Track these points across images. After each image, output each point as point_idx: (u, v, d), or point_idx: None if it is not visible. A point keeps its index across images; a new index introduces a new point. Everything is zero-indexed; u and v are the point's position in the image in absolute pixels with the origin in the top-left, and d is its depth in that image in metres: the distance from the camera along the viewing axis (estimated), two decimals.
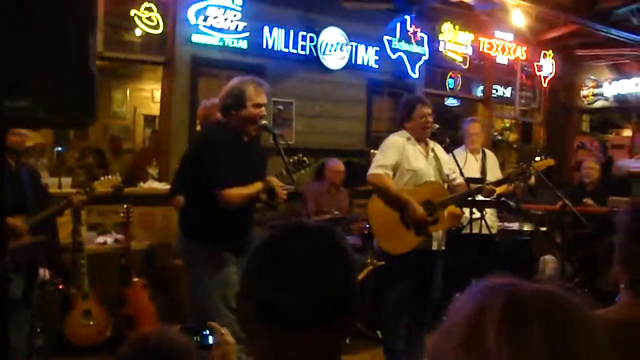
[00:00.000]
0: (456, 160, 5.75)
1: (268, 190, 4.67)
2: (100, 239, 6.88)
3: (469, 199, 5.56)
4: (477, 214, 5.92)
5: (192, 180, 4.78)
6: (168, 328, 1.94)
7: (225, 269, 4.54)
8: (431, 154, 5.60)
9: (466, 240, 6.29)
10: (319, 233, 1.53)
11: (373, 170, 5.45)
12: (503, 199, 6.55)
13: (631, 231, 2.02)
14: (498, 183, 6.12)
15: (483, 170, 7.04)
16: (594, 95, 13.62)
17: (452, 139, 6.57)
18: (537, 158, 6.36)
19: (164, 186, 7.27)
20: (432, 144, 5.67)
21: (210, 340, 2.00)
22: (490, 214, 6.86)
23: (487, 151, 7.40)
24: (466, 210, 5.78)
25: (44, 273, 5.58)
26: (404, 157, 5.43)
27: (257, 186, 4.62)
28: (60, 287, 6.11)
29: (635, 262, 2.00)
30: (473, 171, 6.80)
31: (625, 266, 2.02)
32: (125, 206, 6.45)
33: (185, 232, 4.76)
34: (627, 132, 13.57)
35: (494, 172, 7.07)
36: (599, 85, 13.52)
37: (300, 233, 1.53)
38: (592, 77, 13.57)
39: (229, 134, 4.63)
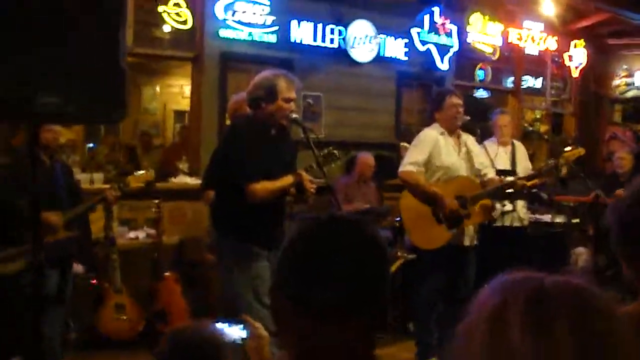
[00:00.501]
0: (487, 153, 5.73)
1: (297, 184, 4.67)
2: (132, 234, 6.94)
3: (501, 192, 5.54)
4: (508, 207, 5.89)
5: (221, 176, 4.79)
6: (202, 323, 1.95)
7: (256, 264, 4.53)
8: (463, 148, 5.58)
9: (498, 233, 6.26)
10: (351, 225, 1.54)
11: (404, 167, 5.46)
12: (535, 190, 6.50)
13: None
14: (528, 178, 6.08)
15: (513, 162, 6.98)
16: (626, 84, 13.43)
17: (482, 131, 6.55)
18: (568, 148, 6.30)
19: (194, 181, 7.30)
20: (464, 136, 5.66)
21: (244, 333, 2.01)
22: (521, 206, 6.81)
23: (517, 143, 7.33)
24: (497, 203, 5.76)
25: (77, 268, 5.64)
26: (436, 152, 5.43)
27: (286, 180, 4.60)
28: (94, 281, 6.18)
29: None
30: (503, 163, 6.76)
31: None
32: (156, 201, 6.49)
33: (216, 227, 4.77)
34: None
35: (523, 164, 7.01)
36: (631, 75, 13.33)
37: (332, 226, 1.54)
38: (625, 67, 13.39)
39: (257, 127, 4.61)
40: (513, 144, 7.23)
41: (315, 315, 1.42)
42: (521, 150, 7.27)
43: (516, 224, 6.40)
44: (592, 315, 0.97)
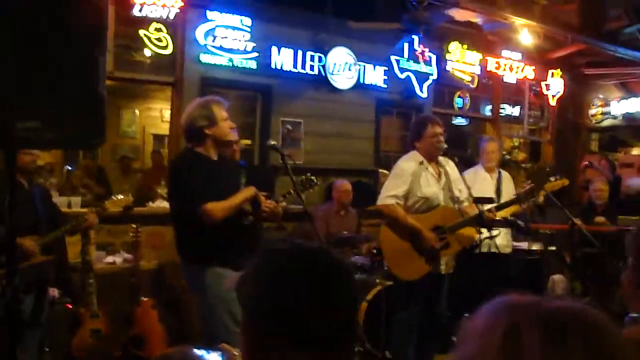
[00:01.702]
0: (464, 181, 5.75)
1: (252, 200, 4.69)
2: (110, 259, 6.89)
3: (478, 220, 5.56)
4: (493, 232, 5.93)
5: (177, 204, 4.79)
6: (183, 349, 1.95)
7: (227, 287, 4.53)
8: (443, 177, 5.60)
9: (477, 260, 6.29)
10: (317, 254, 1.55)
11: (384, 200, 5.46)
12: (512, 218, 6.54)
13: None
14: (508, 204, 6.13)
15: (498, 190, 7.04)
16: (602, 114, 13.60)
17: (461, 159, 6.59)
18: (552, 178, 6.37)
19: None
20: (443, 161, 5.67)
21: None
22: (504, 233, 6.86)
23: (504, 172, 7.41)
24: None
25: (53, 292, 5.59)
26: (416, 183, 5.44)
27: (240, 195, 4.63)
28: (69, 306, 6.12)
29: None
30: (488, 190, 6.81)
31: None
32: (134, 226, 6.46)
33: (183, 256, 4.76)
34: (636, 151, 13.51)
35: (509, 192, 7.05)
36: (607, 104, 13.50)
37: (298, 255, 1.55)
38: (601, 96, 13.56)
39: (198, 156, 4.67)
40: (499, 172, 7.30)
41: (288, 343, 1.43)
42: (507, 178, 7.33)
43: (493, 249, 6.43)
44: (603, 333, 1.01)
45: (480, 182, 6.96)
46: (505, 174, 7.35)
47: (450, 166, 5.73)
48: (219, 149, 4.76)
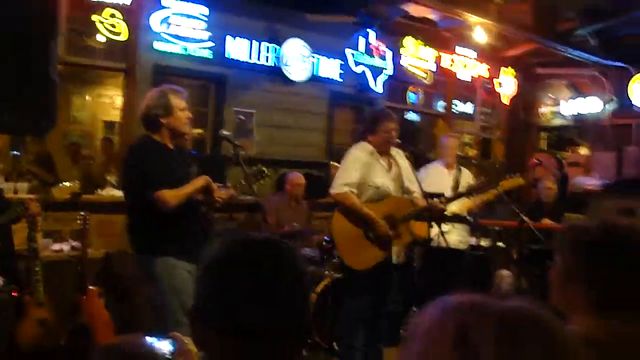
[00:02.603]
0: (418, 177, 5.79)
1: (203, 189, 4.69)
2: (56, 246, 6.79)
3: (427, 214, 5.60)
4: (444, 228, 6.00)
5: (131, 191, 4.77)
6: (133, 337, 1.93)
7: (179, 277, 4.52)
8: (394, 167, 5.63)
9: (430, 255, 6.37)
10: (267, 246, 1.55)
11: (338, 188, 5.47)
12: (461, 214, 6.63)
13: (597, 249, 2.01)
14: (456, 196, 6.20)
15: (456, 186, 7.11)
16: (552, 113, 13.81)
17: (412, 154, 6.64)
18: (507, 176, 6.47)
19: (122, 193, 7.20)
20: (394, 151, 5.69)
21: (172, 348, 2.00)
22: (459, 229, 6.95)
23: (464, 169, 7.50)
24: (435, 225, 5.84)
25: None
26: (367, 172, 5.46)
27: (193, 184, 4.64)
28: (14, 294, 6.02)
29: (603, 281, 2.00)
30: (446, 186, 6.87)
31: (590, 284, 2.02)
32: (82, 213, 6.38)
33: (135, 245, 4.73)
34: (584, 150, 13.77)
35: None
36: (557, 104, 13.71)
37: (249, 247, 1.55)
38: (551, 95, 13.77)
39: (155, 144, 4.67)
40: (460, 169, 7.39)
41: (236, 336, 1.43)
42: (466, 175, 7.42)
43: (442, 244, 6.49)
44: (555, 330, 1.02)
45: (440, 178, 7.06)
46: (465, 171, 7.45)
47: (400, 155, 5.75)
48: (175, 139, 4.73)
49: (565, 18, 11.47)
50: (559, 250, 2.12)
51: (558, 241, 2.14)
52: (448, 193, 6.30)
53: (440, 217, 5.79)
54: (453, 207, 6.40)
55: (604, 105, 12.93)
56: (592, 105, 13.11)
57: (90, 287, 6.27)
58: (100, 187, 7.68)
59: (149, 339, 1.93)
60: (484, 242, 8.57)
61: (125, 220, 4.87)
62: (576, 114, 13.45)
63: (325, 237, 7.04)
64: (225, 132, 4.81)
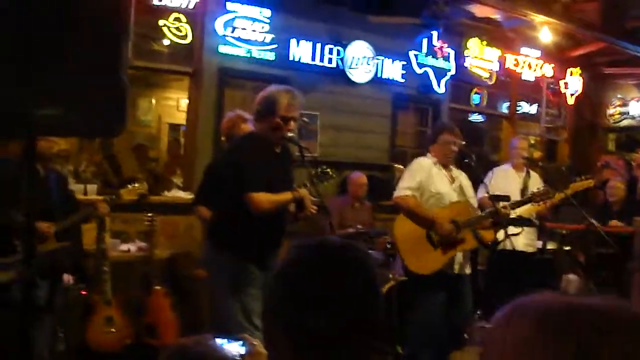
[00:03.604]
0: (484, 181, 5.78)
1: (297, 201, 4.66)
2: (124, 247, 6.91)
3: (491, 219, 5.56)
4: (514, 230, 5.95)
5: (224, 190, 4.74)
6: (203, 338, 1.94)
7: (249, 282, 4.51)
8: (457, 182, 5.63)
9: (496, 258, 6.31)
10: (342, 251, 1.54)
11: (400, 192, 5.49)
12: (528, 217, 6.55)
13: None
14: (522, 202, 6.13)
15: (524, 189, 7.04)
16: (620, 113, 13.50)
17: (477, 155, 6.59)
18: (577, 178, 6.38)
19: (188, 195, 7.29)
20: (457, 172, 5.71)
21: (243, 350, 2.00)
22: (527, 232, 6.87)
23: (533, 172, 7.45)
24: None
25: (67, 279, 5.61)
26: (430, 179, 5.47)
27: (288, 195, 4.60)
28: (83, 293, 6.14)
29: None
30: (513, 189, 6.81)
31: None
32: (149, 214, 6.47)
33: (213, 243, 4.73)
34: None
35: None
36: (625, 104, 13.40)
37: (323, 252, 1.54)
38: (619, 96, 13.47)
39: (260, 142, 4.63)
40: (528, 172, 7.31)
41: (308, 340, 1.42)
42: (535, 178, 7.35)
43: (516, 249, 6.40)
44: None
45: (508, 180, 7.01)
46: (534, 175, 7.39)
47: (464, 177, 5.77)
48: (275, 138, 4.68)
49: (634, 16, 11.21)
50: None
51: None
52: (516, 196, 6.24)
53: (505, 221, 5.74)
54: (521, 210, 6.32)
55: None
56: None
57: (156, 287, 6.36)
58: (167, 189, 7.78)
59: (219, 340, 1.94)
60: (550, 246, 8.42)
61: (190, 220, 4.90)
62: None
63: (389, 240, 7.00)
64: (290, 134, 4.80)
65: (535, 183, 7.26)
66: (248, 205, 4.40)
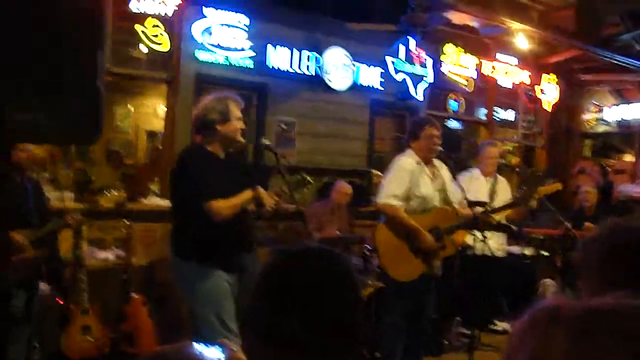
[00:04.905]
0: (460, 184, 5.79)
1: (255, 199, 4.67)
2: (101, 255, 6.86)
3: (474, 225, 5.60)
4: (479, 236, 5.96)
5: (180, 199, 4.74)
6: (181, 345, 1.93)
7: (218, 287, 4.51)
8: (438, 178, 5.64)
9: (469, 263, 6.32)
10: (323, 257, 1.54)
11: (385, 199, 5.48)
12: (504, 222, 6.58)
13: None
14: (504, 207, 6.18)
15: (492, 194, 7.06)
16: (596, 119, 13.62)
17: (455, 162, 6.61)
18: (546, 182, 6.42)
19: (165, 202, 7.25)
20: (438, 164, 5.71)
21: (222, 356, 1.99)
22: (497, 236, 6.91)
23: (500, 177, 7.48)
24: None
25: (43, 287, 5.56)
26: (414, 182, 5.47)
27: (245, 195, 4.59)
28: (60, 302, 6.09)
29: None
30: (482, 193, 6.84)
31: None
32: (126, 222, 6.44)
33: (177, 251, 4.72)
34: (629, 158, 13.54)
35: (503, 197, 7.11)
36: (600, 110, 13.52)
37: (304, 258, 1.54)
38: (595, 102, 13.58)
39: (207, 152, 4.65)
40: (496, 176, 7.35)
41: (287, 346, 1.42)
42: (503, 184, 7.39)
43: (487, 253, 6.45)
44: None
45: (477, 185, 7.02)
46: (501, 179, 7.42)
47: (442, 167, 5.77)
48: (226, 148, 4.73)
49: (609, 23, 11.31)
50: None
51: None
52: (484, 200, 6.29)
53: (485, 227, 5.78)
54: (494, 215, 6.37)
55: None
56: (637, 112, 12.90)
57: (134, 295, 6.32)
58: (143, 196, 7.74)
59: (197, 346, 1.92)
60: (527, 251, 8.47)
61: (168, 227, 4.87)
62: (620, 120, 13.25)
63: (367, 246, 7.01)
64: (266, 141, 4.81)
65: (503, 188, 7.31)
66: (210, 214, 4.40)
